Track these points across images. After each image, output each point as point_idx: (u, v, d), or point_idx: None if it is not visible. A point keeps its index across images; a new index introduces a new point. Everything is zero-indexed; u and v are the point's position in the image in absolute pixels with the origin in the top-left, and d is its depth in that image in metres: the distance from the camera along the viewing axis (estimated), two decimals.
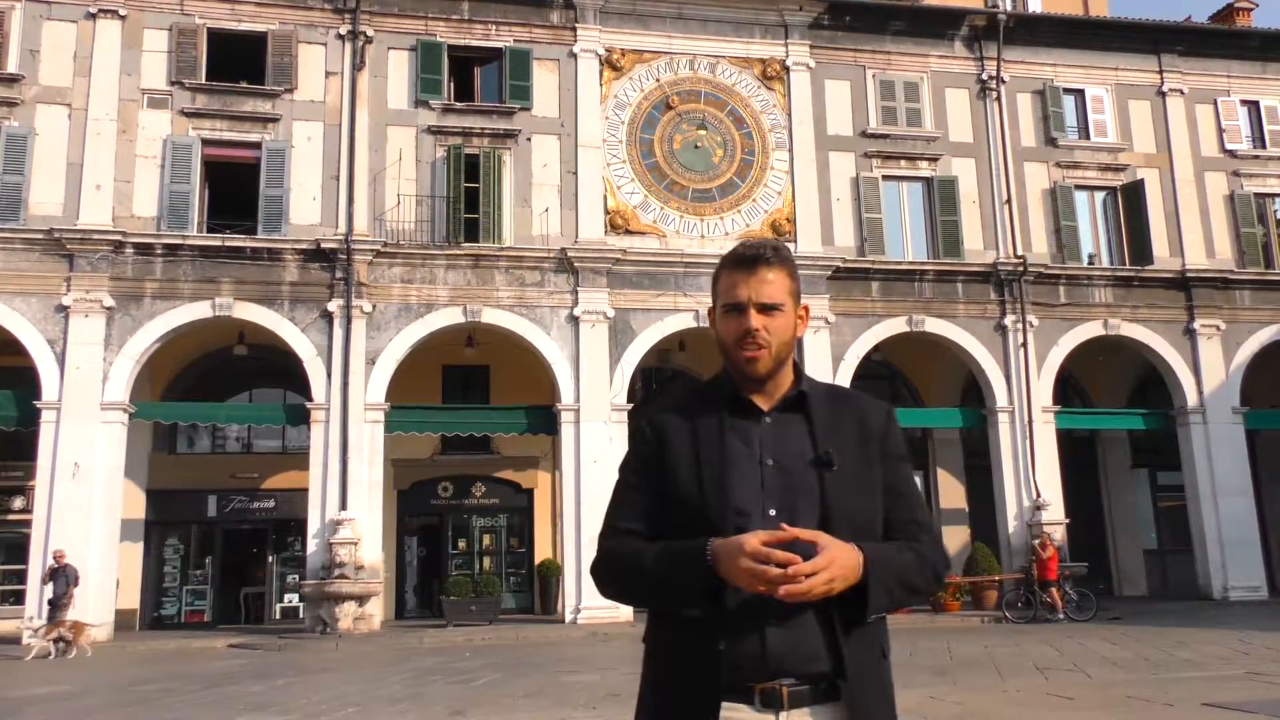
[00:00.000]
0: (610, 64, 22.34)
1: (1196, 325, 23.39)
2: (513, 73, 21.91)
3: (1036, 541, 20.55)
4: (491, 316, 20.76)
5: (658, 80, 22.53)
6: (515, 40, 22.13)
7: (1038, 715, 8.55)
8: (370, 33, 21.41)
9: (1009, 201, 23.28)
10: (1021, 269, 22.71)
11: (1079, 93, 24.62)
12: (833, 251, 22.15)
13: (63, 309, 19.16)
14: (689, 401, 2.12)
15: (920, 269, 22.55)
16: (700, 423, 2.06)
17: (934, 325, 22.46)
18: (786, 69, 23.09)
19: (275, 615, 23.06)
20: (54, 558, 17.52)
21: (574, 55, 22.22)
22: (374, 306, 20.32)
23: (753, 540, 1.82)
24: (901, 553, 1.99)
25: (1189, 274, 23.53)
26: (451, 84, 22.10)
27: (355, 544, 19.48)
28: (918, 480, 24.48)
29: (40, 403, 18.85)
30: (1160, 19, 25.60)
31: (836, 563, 1.83)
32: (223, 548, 24.01)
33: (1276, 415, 24.69)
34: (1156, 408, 24.50)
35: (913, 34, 23.87)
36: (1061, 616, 19.02)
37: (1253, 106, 25.33)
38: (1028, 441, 22.30)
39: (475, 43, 22.09)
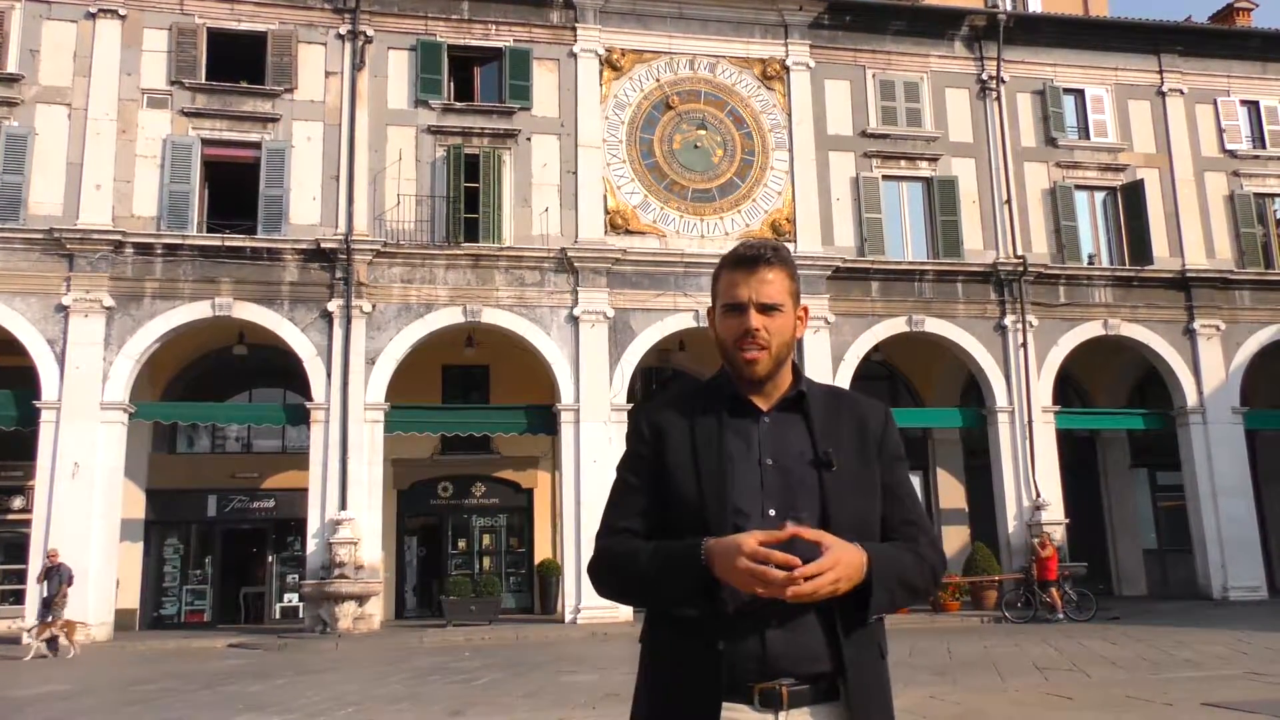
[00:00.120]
0: (610, 64, 22.34)
1: (1196, 325, 23.39)
2: (513, 72, 21.91)
3: (1036, 541, 20.56)
4: (491, 316, 20.76)
5: (658, 80, 22.53)
6: (515, 40, 22.13)
7: (1037, 715, 8.56)
8: (370, 32, 21.42)
9: (1009, 201, 23.28)
10: (1021, 269, 22.71)
11: (1079, 93, 24.62)
12: (832, 251, 22.16)
13: (62, 309, 19.16)
14: (688, 401, 2.12)
15: (920, 269, 22.55)
16: (699, 422, 2.06)
17: (934, 325, 22.46)
18: (786, 69, 23.09)
19: (275, 615, 23.06)
20: (48, 557, 17.52)
21: (574, 55, 22.22)
22: (374, 306, 20.32)
23: (750, 540, 1.81)
24: (902, 553, 1.99)
25: (1189, 274, 23.53)
26: (451, 84, 22.10)
27: (355, 544, 19.49)
28: (917, 480, 24.51)
29: (40, 402, 18.85)
30: (1160, 19, 25.62)
31: (842, 563, 1.83)
32: (222, 547, 23.99)
33: (1276, 415, 24.69)
34: (1156, 408, 24.51)
35: (913, 34, 23.87)
36: (1061, 616, 19.02)
37: (1253, 106, 25.33)
38: (1027, 441, 22.30)
39: (475, 42, 22.09)
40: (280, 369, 21.84)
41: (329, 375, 19.95)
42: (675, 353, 22.76)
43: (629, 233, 21.59)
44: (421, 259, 20.66)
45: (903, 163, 23.28)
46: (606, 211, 21.60)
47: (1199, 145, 24.72)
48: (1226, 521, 22.66)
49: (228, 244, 20.03)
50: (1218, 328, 23.52)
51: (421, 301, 20.60)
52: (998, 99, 23.87)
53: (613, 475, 2.16)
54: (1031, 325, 22.70)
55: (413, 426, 21.11)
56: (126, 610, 20.89)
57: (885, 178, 23.12)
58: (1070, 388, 25.30)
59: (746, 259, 2.07)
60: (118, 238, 19.40)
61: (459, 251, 20.64)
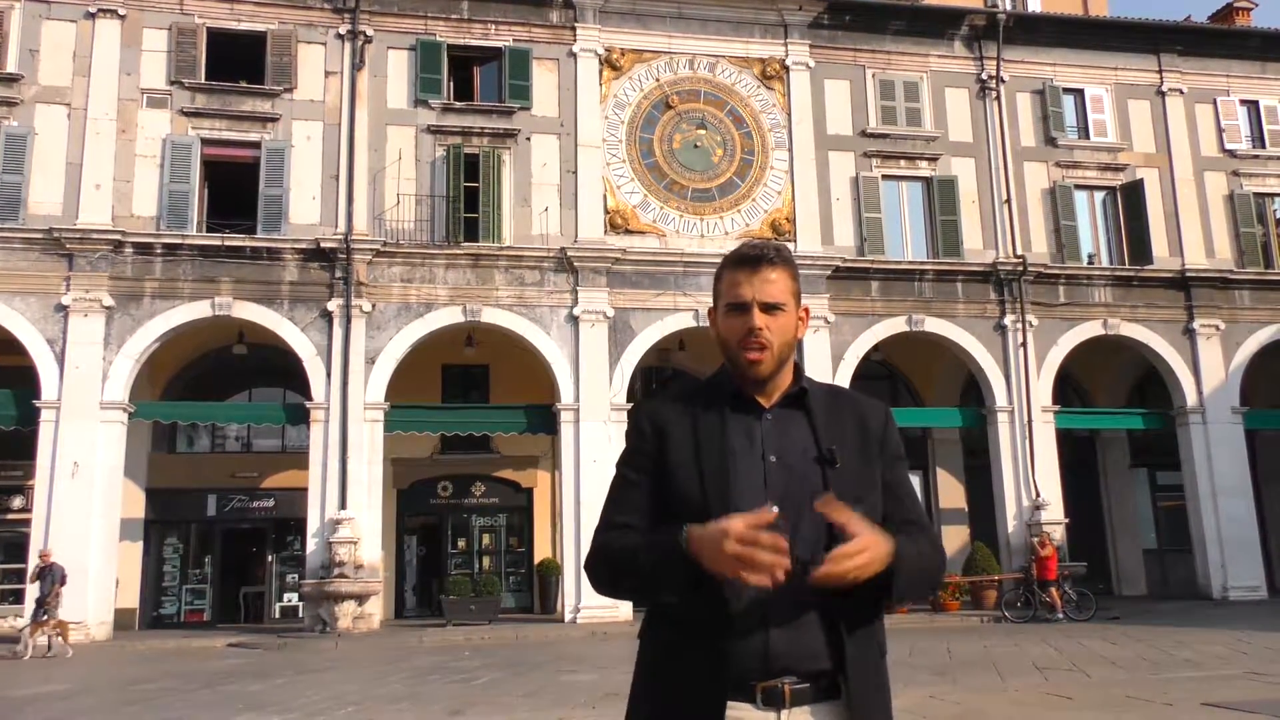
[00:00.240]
0: (610, 63, 22.34)
1: (1196, 325, 23.39)
2: (512, 72, 21.91)
3: (1036, 541, 20.56)
4: (491, 316, 20.76)
5: (657, 80, 22.53)
6: (515, 40, 22.13)
7: (1037, 715, 8.56)
8: (370, 32, 21.41)
9: (1009, 201, 23.29)
10: (1021, 269, 22.71)
11: (1079, 92, 24.62)
12: (832, 251, 22.16)
13: (62, 308, 19.15)
14: (689, 398, 2.12)
15: (920, 269, 22.55)
16: (701, 419, 2.05)
17: (934, 325, 22.46)
18: (786, 68, 23.09)
19: (275, 614, 23.06)
20: (40, 557, 17.52)
21: (574, 55, 22.22)
22: (373, 306, 20.32)
23: (737, 523, 1.79)
24: (920, 544, 2.00)
25: (1188, 274, 23.53)
26: (451, 83, 22.10)
27: (355, 543, 19.49)
28: (917, 480, 24.51)
29: (40, 402, 18.84)
30: (1160, 19, 25.62)
31: (873, 545, 1.83)
32: (222, 547, 24.00)
33: (1276, 415, 24.70)
34: (1156, 408, 24.51)
35: (912, 34, 23.87)
36: (1061, 616, 19.02)
37: (1252, 106, 25.33)
38: (1027, 441, 22.30)
39: (475, 42, 22.09)
40: (280, 368, 21.84)
41: (329, 375, 19.95)
42: (675, 352, 22.76)
43: (629, 232, 21.59)
44: (421, 258, 20.66)
45: (902, 162, 23.28)
46: (606, 211, 21.60)
47: (1199, 145, 24.72)
48: (1226, 521, 22.66)
49: (227, 243, 20.03)
50: (1217, 327, 23.52)
51: (421, 301, 20.60)
52: (997, 99, 23.87)
53: (612, 474, 2.16)
54: (1031, 325, 22.70)
55: (412, 426, 21.11)
56: (126, 610, 20.88)
57: (885, 177, 23.12)
58: (1070, 387, 25.30)
59: (750, 259, 2.07)
60: (117, 237, 19.40)
61: (459, 251, 20.63)
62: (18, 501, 21.55)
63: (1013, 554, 21.69)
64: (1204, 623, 17.06)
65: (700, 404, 2.08)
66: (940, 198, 23.16)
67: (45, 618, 16.73)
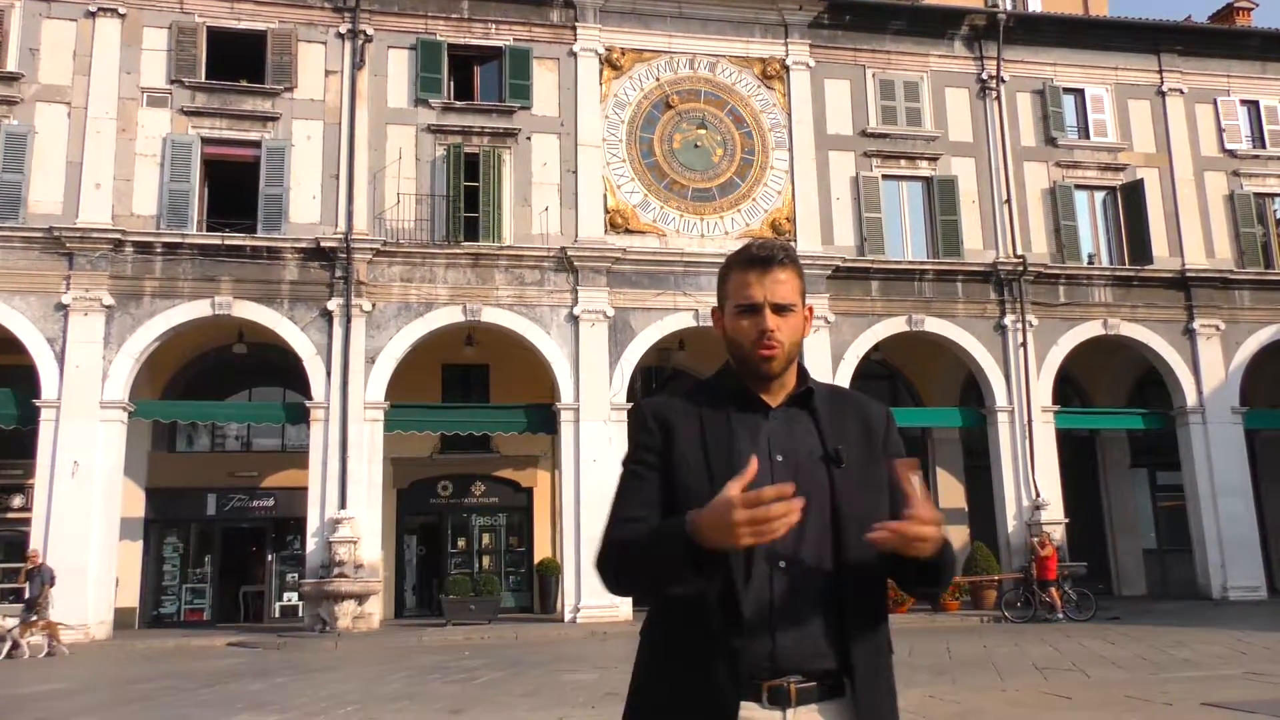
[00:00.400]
0: (610, 63, 22.34)
1: (1196, 325, 23.39)
2: (513, 72, 21.91)
3: (1036, 541, 20.55)
4: (491, 315, 20.75)
5: (658, 79, 22.53)
6: (515, 39, 22.13)
7: (1037, 715, 8.56)
8: (370, 31, 21.41)
9: (1009, 201, 23.28)
10: (1021, 269, 22.71)
11: (1079, 92, 24.61)
12: (832, 251, 22.15)
13: (62, 307, 19.15)
14: (694, 396, 2.11)
15: (920, 268, 22.55)
16: (708, 417, 2.05)
17: (934, 325, 22.46)
18: (786, 68, 23.09)
19: (274, 614, 23.05)
20: (29, 559, 17.51)
21: (574, 54, 22.22)
22: (373, 305, 20.32)
23: (734, 489, 1.74)
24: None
25: (1189, 274, 23.53)
26: (451, 83, 22.10)
27: (354, 543, 19.49)
28: (916, 480, 24.44)
29: (40, 401, 18.84)
30: (1160, 19, 25.62)
31: (940, 525, 1.86)
32: (222, 546, 24.00)
33: (1276, 415, 24.71)
34: (1156, 408, 24.51)
35: (913, 33, 23.87)
36: (1061, 616, 19.02)
37: (1252, 106, 25.33)
38: (1027, 441, 22.30)
39: (475, 41, 22.09)
40: (280, 368, 21.84)
41: (329, 374, 19.95)
42: (675, 352, 22.76)
43: (629, 232, 21.59)
44: (421, 258, 20.66)
45: (903, 162, 23.28)
46: (606, 211, 21.60)
47: (1199, 145, 24.72)
48: (1226, 521, 22.66)
49: (227, 243, 20.03)
50: (1217, 327, 23.52)
51: (421, 300, 20.60)
52: (998, 98, 23.87)
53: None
54: (1031, 325, 22.70)
55: (412, 425, 21.11)
56: (126, 609, 20.90)
57: (885, 177, 23.12)
58: (1070, 387, 25.30)
59: (759, 259, 2.07)
60: (117, 236, 19.40)
61: (459, 250, 20.63)
62: (18, 501, 21.55)
63: (1013, 554, 21.69)
64: (1204, 623, 17.06)
65: (706, 403, 2.08)
66: (940, 198, 23.16)
67: (35, 619, 16.71)
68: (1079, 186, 24.09)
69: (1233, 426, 23.27)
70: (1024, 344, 22.57)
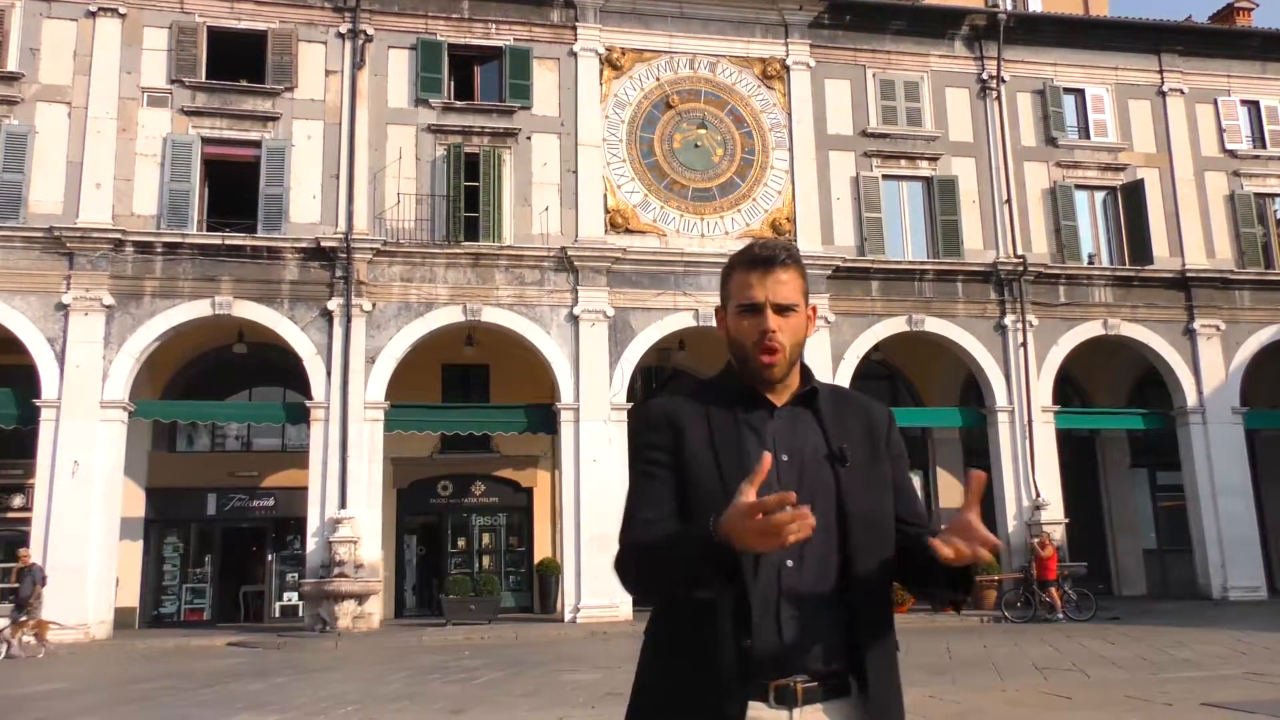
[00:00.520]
0: (610, 63, 22.34)
1: (1196, 325, 23.39)
2: (513, 72, 21.91)
3: (1036, 541, 20.56)
4: (491, 315, 20.76)
5: (658, 79, 22.53)
6: (515, 39, 22.13)
7: (1036, 715, 8.56)
8: (370, 31, 21.41)
9: (1009, 201, 23.28)
10: (1021, 269, 22.71)
11: (1079, 92, 24.61)
12: (832, 251, 22.15)
13: (62, 307, 19.15)
14: (700, 396, 2.11)
15: (920, 268, 22.55)
16: (715, 415, 2.05)
17: (934, 325, 22.46)
18: (786, 68, 23.09)
19: (274, 613, 23.05)
20: (19, 558, 17.51)
21: (574, 54, 22.22)
22: (374, 305, 20.32)
23: (748, 493, 1.72)
24: None
25: (1189, 274, 23.53)
26: (451, 83, 22.10)
27: (355, 542, 19.49)
28: (917, 480, 24.53)
29: (40, 401, 18.84)
30: (1160, 19, 25.62)
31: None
32: (222, 546, 24.01)
33: (1276, 415, 24.70)
34: (1156, 408, 24.51)
35: (913, 33, 23.87)
36: (1061, 616, 19.02)
37: (1253, 106, 25.33)
38: (1027, 441, 22.31)
39: (475, 41, 22.09)
40: (280, 367, 21.85)
41: (329, 374, 19.95)
42: (675, 352, 22.76)
43: (629, 232, 21.59)
44: (421, 258, 20.66)
45: (903, 162, 23.28)
46: (606, 210, 21.60)
47: (1199, 145, 24.72)
48: (1226, 521, 22.66)
49: (228, 242, 20.03)
50: (1218, 328, 23.52)
51: (421, 300, 20.61)
52: (998, 98, 23.87)
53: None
54: (1031, 325, 22.70)
55: (412, 425, 21.11)
56: (126, 609, 20.90)
57: (885, 177, 23.12)
58: (1070, 387, 25.30)
59: (762, 259, 2.07)
60: (118, 236, 19.40)
61: (459, 250, 20.64)
62: (18, 500, 21.55)
63: (1012, 554, 21.68)
64: (1203, 623, 17.07)
65: (712, 402, 2.07)
66: (940, 198, 23.16)
67: (25, 618, 16.71)
68: (1079, 186, 24.09)
69: (1233, 426, 23.27)
70: (1024, 344, 22.57)
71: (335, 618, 19.05)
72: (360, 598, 19.36)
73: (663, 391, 21.87)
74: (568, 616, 20.04)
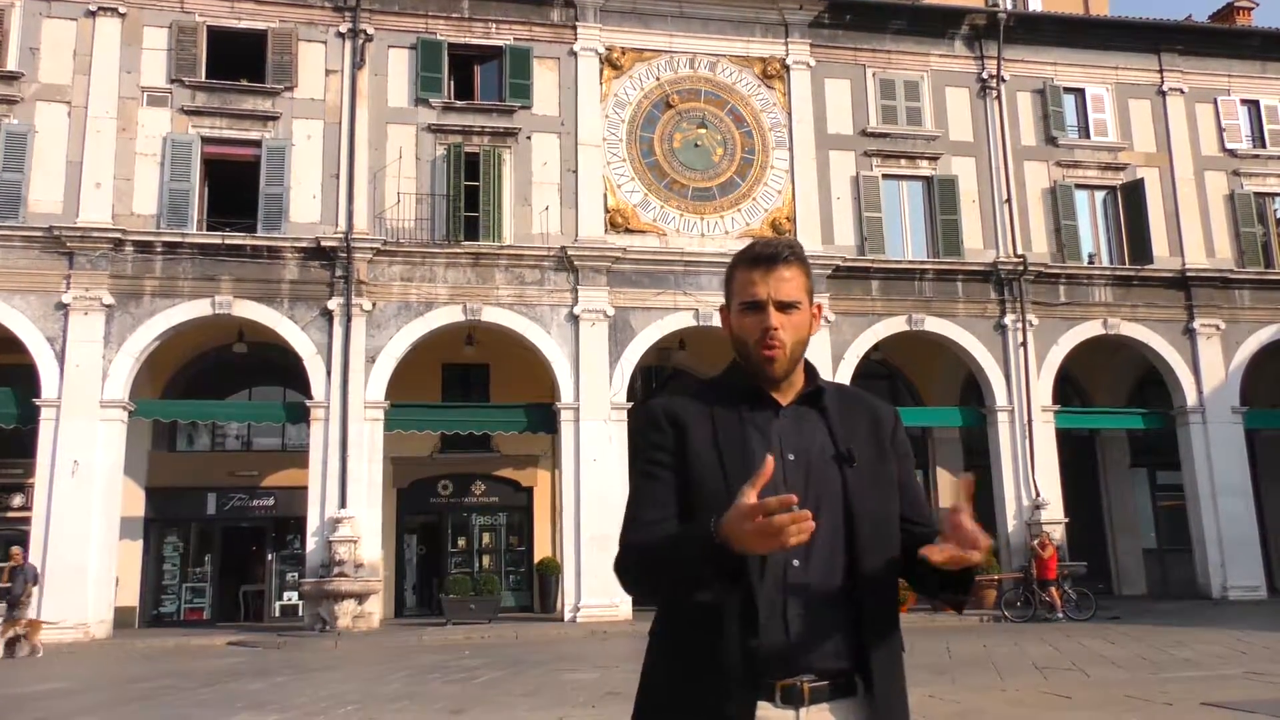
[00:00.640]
0: (610, 62, 22.33)
1: (1196, 325, 23.39)
2: (513, 71, 21.91)
3: (1036, 541, 20.56)
4: (491, 315, 20.76)
5: (658, 79, 22.53)
6: (515, 39, 22.13)
7: (1036, 714, 8.56)
8: (370, 31, 21.41)
9: (1009, 201, 23.29)
10: (1021, 268, 22.71)
11: (1079, 92, 24.61)
12: (833, 250, 22.15)
13: (62, 307, 19.15)
14: (703, 394, 2.10)
15: (920, 268, 22.55)
16: (719, 415, 2.04)
17: (934, 324, 22.46)
18: (786, 68, 23.09)
19: (274, 613, 23.05)
20: (11, 556, 17.49)
21: (574, 54, 22.21)
22: (374, 304, 20.32)
23: (749, 494, 1.72)
24: None
25: (1189, 273, 23.53)
26: (451, 82, 22.10)
27: (355, 542, 19.49)
28: (918, 480, 24.49)
29: (40, 400, 18.84)
30: (1160, 18, 25.61)
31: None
32: (222, 545, 24.01)
33: (1276, 415, 24.70)
34: (1156, 407, 24.51)
35: (913, 33, 23.87)
36: (1060, 616, 19.02)
37: (1253, 106, 25.33)
38: (1027, 441, 22.31)
39: (475, 41, 22.09)
40: (280, 367, 21.84)
41: (329, 373, 19.95)
42: (675, 351, 22.76)
43: (629, 231, 21.59)
44: (421, 257, 20.66)
45: (903, 162, 23.28)
46: (606, 210, 21.60)
47: (1199, 144, 24.72)
48: (1226, 521, 22.67)
49: (228, 242, 20.03)
50: (1217, 327, 23.52)
51: (421, 300, 20.61)
52: (998, 98, 23.87)
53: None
54: (1031, 324, 22.70)
55: (413, 425, 21.11)
56: (126, 608, 20.90)
57: (885, 177, 23.12)
58: (1070, 387, 25.30)
59: (764, 257, 2.06)
60: (117, 236, 19.40)
61: (459, 250, 20.64)
62: (18, 500, 21.55)
63: (1012, 553, 21.70)
64: (1203, 622, 17.06)
65: (716, 401, 2.06)
66: (940, 197, 23.16)
67: (17, 617, 16.69)
68: (1079, 186, 24.09)
69: (1233, 426, 23.28)
70: (1024, 343, 22.57)
71: (335, 617, 19.05)
72: (360, 597, 19.36)
73: (663, 391, 21.89)
74: (568, 616, 20.04)
